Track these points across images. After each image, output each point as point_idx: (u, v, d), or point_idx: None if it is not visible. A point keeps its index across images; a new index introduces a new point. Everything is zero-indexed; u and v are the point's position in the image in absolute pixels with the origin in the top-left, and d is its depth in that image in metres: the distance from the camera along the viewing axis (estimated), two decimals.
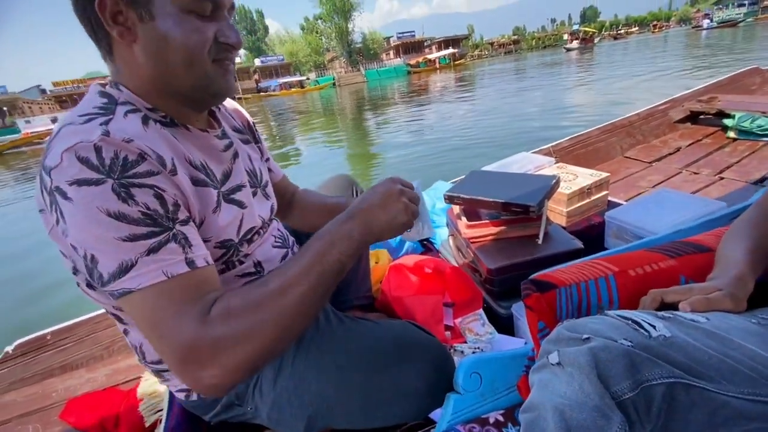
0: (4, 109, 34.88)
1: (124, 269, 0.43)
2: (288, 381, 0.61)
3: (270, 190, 0.75)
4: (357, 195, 1.05)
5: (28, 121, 27.16)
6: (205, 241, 0.54)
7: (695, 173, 1.85)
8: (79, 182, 0.42)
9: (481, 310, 1.01)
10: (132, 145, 0.45)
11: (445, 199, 1.18)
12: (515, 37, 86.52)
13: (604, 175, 1.38)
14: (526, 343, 0.92)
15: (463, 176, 1.29)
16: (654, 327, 0.36)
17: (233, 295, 0.48)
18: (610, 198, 1.44)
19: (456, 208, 1.24)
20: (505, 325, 0.99)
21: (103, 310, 1.27)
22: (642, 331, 0.36)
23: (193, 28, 0.51)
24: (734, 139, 2.17)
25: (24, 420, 1.01)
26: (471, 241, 1.11)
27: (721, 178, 1.75)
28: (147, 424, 0.91)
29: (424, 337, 0.65)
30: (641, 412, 0.32)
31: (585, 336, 0.36)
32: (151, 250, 0.44)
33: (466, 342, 0.94)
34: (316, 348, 0.64)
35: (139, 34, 0.50)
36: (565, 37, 54.91)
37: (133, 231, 0.44)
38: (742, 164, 1.86)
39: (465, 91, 12.74)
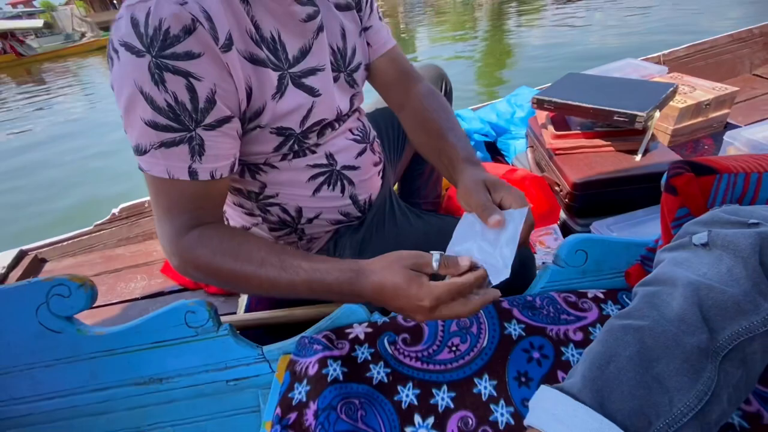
0: None
1: (139, 151, 0.45)
2: None
3: (359, 76, 0.64)
4: (446, 89, 0.92)
5: None
6: (260, 126, 0.51)
7: None
8: (126, 46, 0.41)
9: (556, 225, 0.96)
10: (184, 9, 0.40)
11: (532, 103, 1.06)
12: None
13: (731, 89, 1.15)
14: None
15: (551, 83, 1.13)
16: None
17: (203, 246, 0.47)
18: (728, 120, 1.22)
19: (542, 116, 1.12)
20: None
21: None
22: None
23: None
24: None
25: (133, 270, 1.19)
26: (555, 152, 1.02)
27: None
28: None
29: None
30: None
31: (753, 221, 0.31)
32: (163, 144, 0.44)
33: (536, 253, 0.92)
34: (394, 238, 0.65)
35: None
36: None
37: (155, 118, 0.42)
38: None
39: None
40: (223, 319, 0.55)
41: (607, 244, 0.54)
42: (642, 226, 0.85)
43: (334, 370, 0.49)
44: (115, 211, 1.29)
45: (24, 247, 1.28)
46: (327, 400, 0.46)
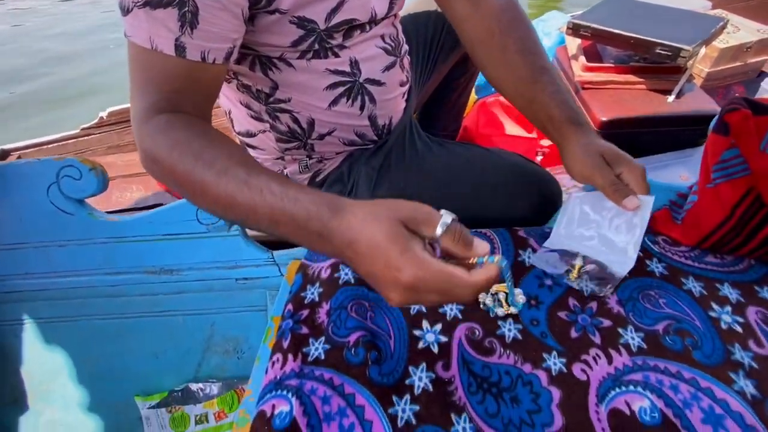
0: None
1: (123, 9, 0.38)
2: (387, 195, 0.60)
3: None
4: None
5: None
6: (279, 11, 0.43)
7: None
8: None
9: None
10: None
11: (568, 28, 0.97)
12: None
13: None
14: None
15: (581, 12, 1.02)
16: None
17: (165, 135, 0.39)
18: (762, 69, 1.15)
19: (573, 46, 1.04)
20: None
21: None
22: None
23: None
24: None
25: (127, 180, 1.13)
26: (584, 86, 0.95)
27: None
28: None
29: (531, 168, 0.60)
30: None
31: None
32: (148, 3, 0.37)
33: None
34: (416, 169, 0.61)
35: None
36: None
37: None
38: None
39: None
40: None
41: None
42: (665, 170, 0.83)
43: (346, 274, 0.50)
44: (103, 114, 1.20)
45: (5, 147, 1.19)
46: (338, 300, 0.47)
